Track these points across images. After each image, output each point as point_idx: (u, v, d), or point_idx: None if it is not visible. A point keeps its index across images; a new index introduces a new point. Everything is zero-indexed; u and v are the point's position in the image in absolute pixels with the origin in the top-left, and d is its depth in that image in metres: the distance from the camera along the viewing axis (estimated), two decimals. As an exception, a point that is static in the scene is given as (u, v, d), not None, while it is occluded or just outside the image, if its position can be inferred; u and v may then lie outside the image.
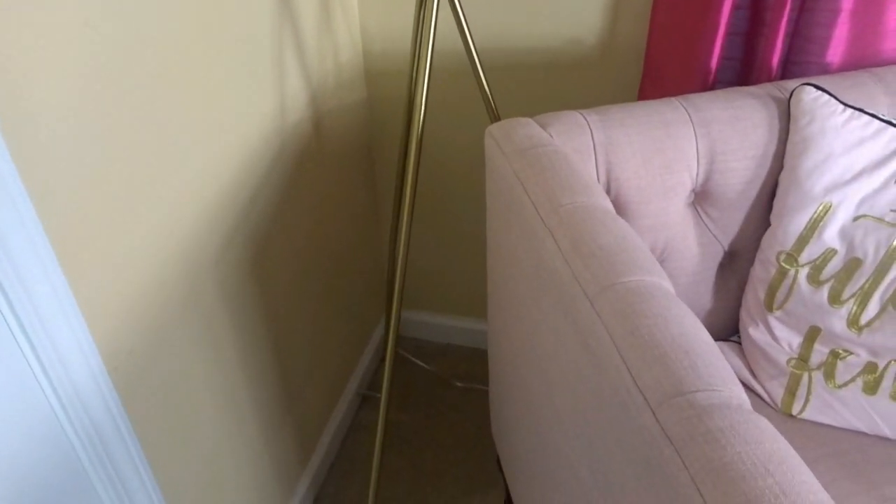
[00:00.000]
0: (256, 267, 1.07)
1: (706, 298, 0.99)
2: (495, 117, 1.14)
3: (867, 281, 0.85)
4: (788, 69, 1.08)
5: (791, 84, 0.97)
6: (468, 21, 1.27)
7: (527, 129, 0.89)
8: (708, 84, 1.09)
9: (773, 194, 0.95)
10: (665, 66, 1.15)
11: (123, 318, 0.77)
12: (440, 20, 1.30)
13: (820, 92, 0.89)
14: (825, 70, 1.04)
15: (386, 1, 1.32)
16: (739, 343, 1.00)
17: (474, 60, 1.07)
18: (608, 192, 0.91)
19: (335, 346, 1.46)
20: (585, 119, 0.90)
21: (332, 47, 1.27)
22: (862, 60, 1.03)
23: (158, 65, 0.80)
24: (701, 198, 0.95)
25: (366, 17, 1.35)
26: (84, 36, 0.68)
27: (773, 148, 0.92)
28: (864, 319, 0.86)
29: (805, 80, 0.96)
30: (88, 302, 0.71)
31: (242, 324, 1.04)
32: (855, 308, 0.86)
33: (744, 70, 1.11)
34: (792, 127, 0.91)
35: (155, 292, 0.82)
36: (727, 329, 1.03)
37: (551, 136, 0.89)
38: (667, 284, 0.63)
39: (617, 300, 0.59)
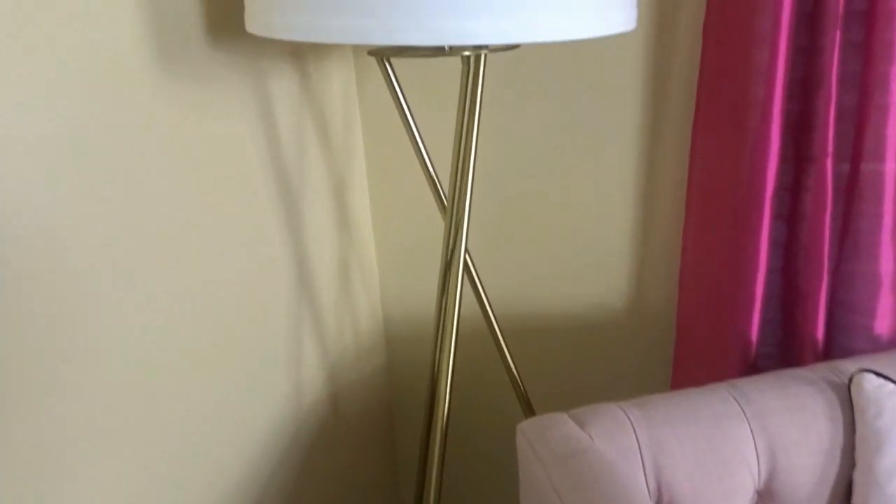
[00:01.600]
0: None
1: None
2: (524, 397, 1.07)
3: None
4: (834, 337, 1.01)
5: (846, 366, 0.89)
6: (491, 291, 1.25)
7: (564, 429, 0.81)
8: (750, 356, 1.03)
9: (848, 492, 0.83)
10: (699, 333, 1.10)
11: None
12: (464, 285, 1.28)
13: (882, 380, 0.82)
14: (875, 340, 0.98)
15: (407, 265, 1.31)
16: None
17: (500, 343, 1.03)
18: (660, 499, 0.80)
19: None
20: (627, 415, 0.82)
21: (351, 317, 1.24)
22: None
23: (160, 347, 0.74)
24: (767, 499, 0.83)
25: (386, 282, 1.34)
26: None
27: (839, 441, 0.83)
28: None
29: (861, 364, 0.89)
30: None
31: None
32: None
33: (785, 337, 1.05)
34: (858, 419, 0.82)
35: None
36: None
37: (591, 437, 0.80)
38: None
39: None
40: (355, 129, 1.20)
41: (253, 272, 0.94)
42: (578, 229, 1.18)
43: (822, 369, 0.89)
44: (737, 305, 1.02)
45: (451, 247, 0.91)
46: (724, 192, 1.02)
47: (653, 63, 1.06)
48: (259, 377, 0.96)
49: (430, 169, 0.95)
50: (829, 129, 0.95)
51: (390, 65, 0.87)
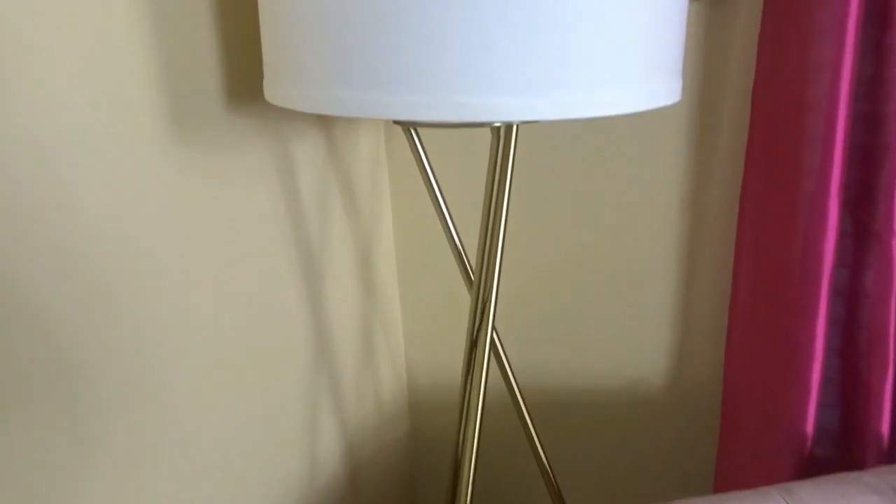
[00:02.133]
0: None
1: None
2: (553, 484, 0.99)
3: None
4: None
5: (917, 472, 0.80)
6: (519, 365, 1.18)
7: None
8: (805, 450, 0.93)
9: None
10: (747, 421, 1.01)
11: None
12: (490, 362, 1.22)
13: (962, 493, 0.72)
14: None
15: (435, 331, 1.25)
16: None
17: (528, 425, 0.96)
18: None
19: None
20: (669, 522, 0.74)
21: (373, 385, 1.18)
22: None
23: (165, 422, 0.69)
24: None
25: (412, 349, 1.28)
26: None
27: (913, 561, 0.73)
28: None
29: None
30: None
31: None
32: None
33: (844, 431, 0.96)
34: (935, 537, 0.72)
35: None
36: None
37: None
38: None
39: None
40: (383, 195, 1.15)
41: (269, 344, 0.90)
42: (614, 302, 1.11)
43: (889, 475, 0.80)
44: (789, 393, 0.93)
45: (477, 324, 0.85)
46: (776, 267, 0.95)
47: (697, 131, 1.00)
48: (270, 454, 0.90)
49: (458, 243, 0.89)
50: (893, 202, 0.87)
51: (417, 134, 0.82)
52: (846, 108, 0.84)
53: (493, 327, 0.85)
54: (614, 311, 1.12)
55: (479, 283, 0.82)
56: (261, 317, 0.87)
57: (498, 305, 0.84)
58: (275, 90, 0.66)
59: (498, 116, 0.57)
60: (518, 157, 1.07)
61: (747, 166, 0.95)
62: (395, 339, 1.25)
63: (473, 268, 0.87)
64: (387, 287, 1.19)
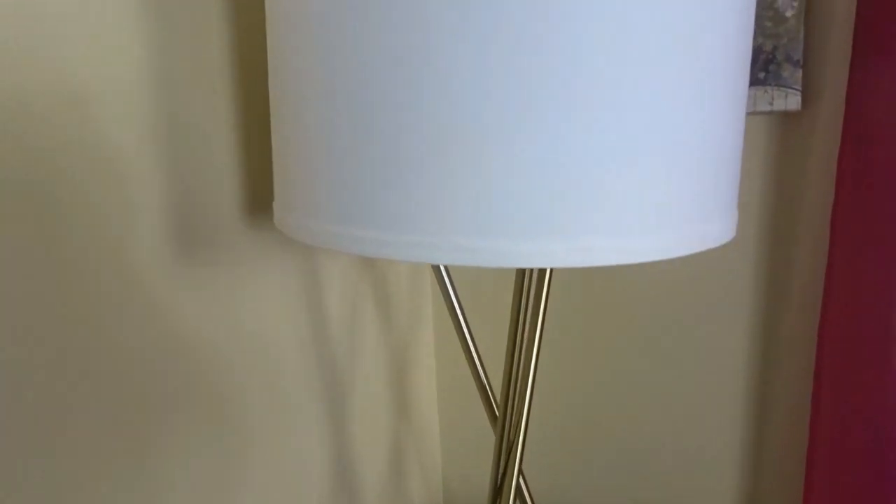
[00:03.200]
0: None
1: None
2: None
3: None
4: None
5: None
6: None
7: None
8: None
9: None
10: None
11: None
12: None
13: None
14: None
15: (474, 451, 1.15)
16: None
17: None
18: None
19: None
20: None
21: (404, 511, 1.09)
22: None
23: None
24: None
25: (450, 471, 1.18)
26: None
27: None
28: None
29: None
30: None
31: None
32: None
33: None
34: None
35: None
36: None
37: None
38: None
39: None
40: (425, 304, 1.09)
41: (283, 472, 0.83)
42: (671, 445, 0.99)
43: None
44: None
45: (502, 469, 0.76)
46: (863, 410, 0.81)
47: (769, 253, 0.90)
48: None
49: (483, 377, 0.80)
50: None
51: (445, 267, 0.76)
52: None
53: (521, 472, 0.75)
54: (672, 455, 0.99)
55: (502, 423, 0.74)
56: (269, 440, 0.81)
57: (527, 447, 0.74)
58: (280, 215, 0.62)
59: (507, 263, 0.50)
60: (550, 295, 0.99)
61: (827, 294, 0.84)
62: (432, 462, 1.15)
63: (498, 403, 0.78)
64: (423, 404, 1.11)
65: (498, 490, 0.77)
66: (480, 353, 0.81)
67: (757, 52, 0.85)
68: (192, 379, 0.71)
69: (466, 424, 1.14)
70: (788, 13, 0.83)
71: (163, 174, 0.66)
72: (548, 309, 1.00)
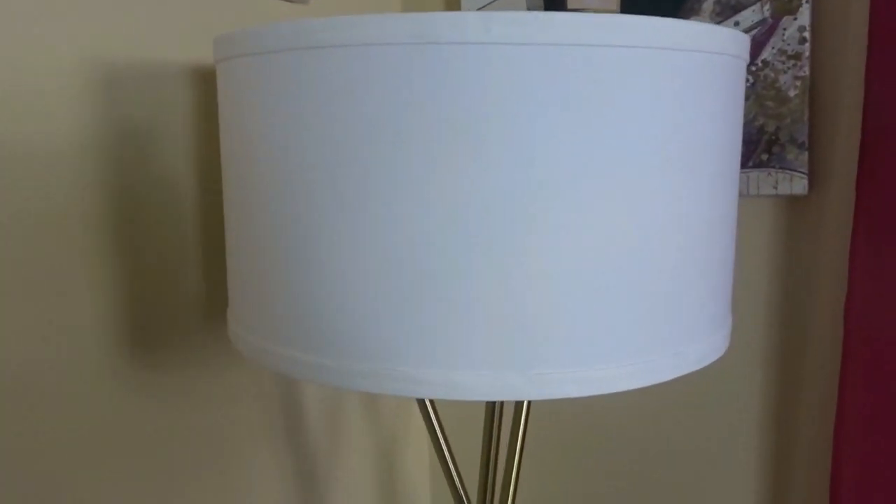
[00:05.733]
0: None
1: None
2: None
3: None
4: None
5: None
6: None
7: None
8: None
9: None
10: None
11: None
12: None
13: None
14: None
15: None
16: None
17: None
18: None
19: None
20: None
21: None
22: None
23: None
24: None
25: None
26: None
27: None
28: None
29: None
30: None
31: None
32: None
33: None
34: None
35: None
36: None
37: None
38: None
39: None
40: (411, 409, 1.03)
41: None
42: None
43: None
44: None
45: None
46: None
47: (779, 349, 0.83)
48: None
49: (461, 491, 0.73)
50: None
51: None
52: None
53: None
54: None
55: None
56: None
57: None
58: (231, 324, 0.57)
59: (460, 395, 0.45)
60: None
61: (842, 397, 0.77)
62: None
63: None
64: (415, 486, 1.05)
65: None
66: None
67: (759, 132, 0.80)
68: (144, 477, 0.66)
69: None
70: (791, 93, 0.78)
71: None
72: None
